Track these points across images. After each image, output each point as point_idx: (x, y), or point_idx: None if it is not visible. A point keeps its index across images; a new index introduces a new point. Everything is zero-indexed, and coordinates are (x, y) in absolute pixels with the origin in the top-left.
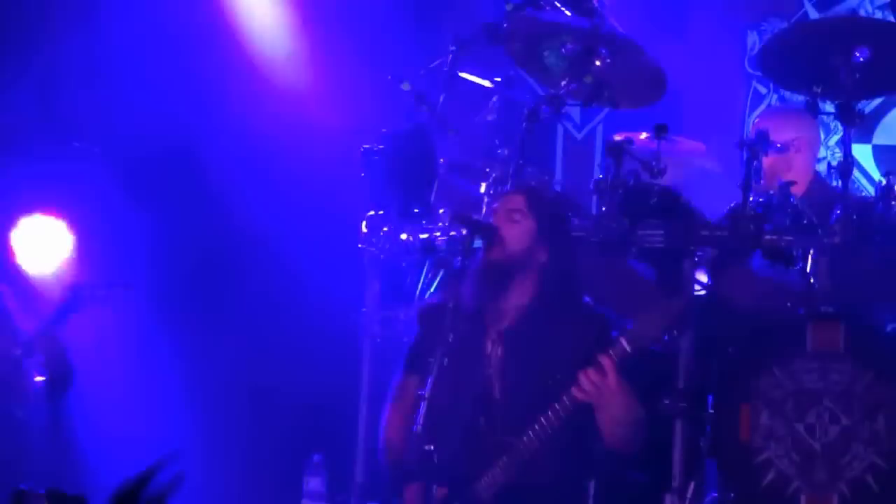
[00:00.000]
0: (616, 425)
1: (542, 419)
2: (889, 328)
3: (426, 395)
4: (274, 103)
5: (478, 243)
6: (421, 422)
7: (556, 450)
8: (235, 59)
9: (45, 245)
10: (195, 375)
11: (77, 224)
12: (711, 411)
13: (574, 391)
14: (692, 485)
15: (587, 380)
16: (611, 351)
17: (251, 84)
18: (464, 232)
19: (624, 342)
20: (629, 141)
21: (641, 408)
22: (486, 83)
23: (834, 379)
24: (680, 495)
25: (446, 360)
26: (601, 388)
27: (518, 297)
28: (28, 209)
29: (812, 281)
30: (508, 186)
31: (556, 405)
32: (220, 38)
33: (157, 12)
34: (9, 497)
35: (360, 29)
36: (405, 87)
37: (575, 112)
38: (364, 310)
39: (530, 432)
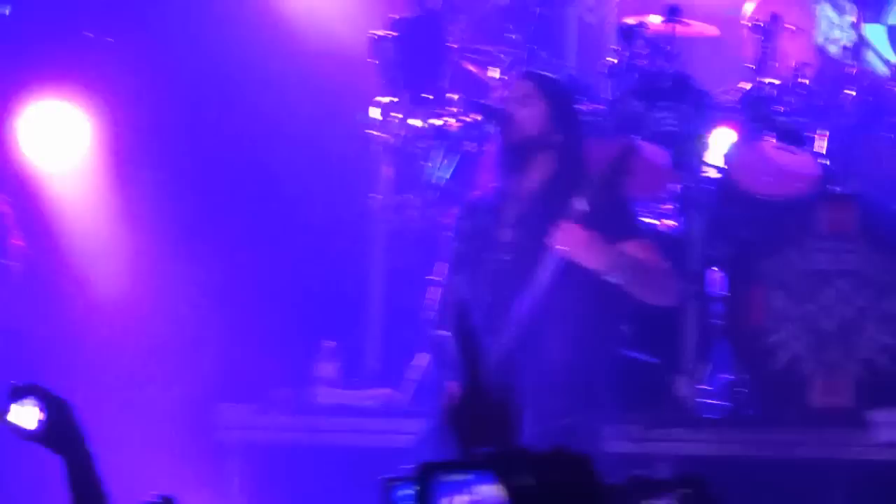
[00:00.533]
0: (612, 271)
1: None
2: None
3: (444, 282)
4: None
5: (492, 129)
6: (438, 308)
7: (566, 331)
8: None
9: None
10: (209, 265)
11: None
12: (724, 293)
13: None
14: (704, 367)
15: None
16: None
17: None
18: (478, 117)
19: (577, 203)
20: (642, 25)
21: (626, 254)
22: None
23: (846, 259)
24: (692, 377)
25: (462, 245)
26: (570, 241)
27: (532, 180)
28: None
29: (825, 162)
30: (520, 71)
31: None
32: None
33: None
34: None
35: None
36: None
37: None
38: (377, 196)
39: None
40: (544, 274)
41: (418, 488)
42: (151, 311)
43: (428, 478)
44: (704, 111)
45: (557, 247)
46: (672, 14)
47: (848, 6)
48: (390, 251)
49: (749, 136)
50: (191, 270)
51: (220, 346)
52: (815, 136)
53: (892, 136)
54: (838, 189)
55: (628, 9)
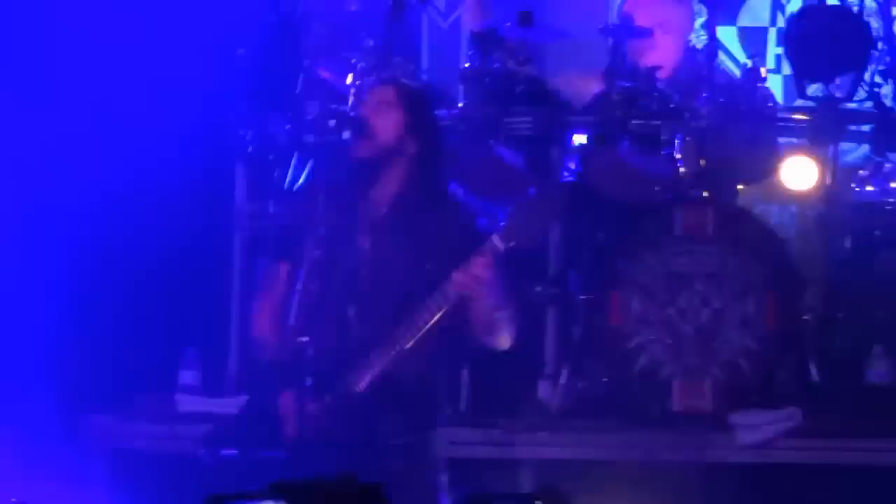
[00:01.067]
0: (489, 317)
1: (417, 314)
2: (756, 210)
3: (299, 288)
4: None
5: (347, 135)
6: (294, 314)
7: (430, 341)
8: None
9: None
10: (71, 268)
11: None
12: (582, 297)
13: (449, 287)
14: (565, 370)
15: (461, 277)
16: (485, 248)
17: None
18: (332, 124)
19: (496, 240)
20: (494, 30)
21: (514, 302)
22: None
23: (703, 262)
24: (553, 381)
25: (319, 251)
26: (475, 283)
27: (388, 187)
28: None
29: (680, 165)
30: (375, 77)
31: (430, 301)
32: None
33: None
34: None
35: None
36: None
37: (440, 0)
38: (237, 203)
39: (404, 325)
40: (421, 310)
41: None
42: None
43: None
44: (559, 115)
45: (457, 284)
46: (524, 20)
47: (698, 7)
48: (247, 256)
49: (604, 139)
50: (48, 276)
51: (79, 353)
52: (669, 138)
53: (745, 137)
54: (692, 192)
55: (480, 14)
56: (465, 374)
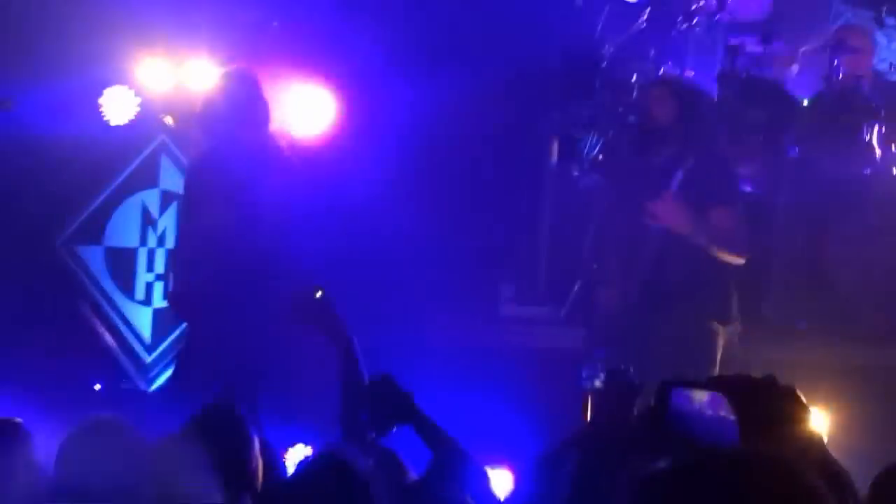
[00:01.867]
0: (698, 236)
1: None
2: None
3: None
4: None
5: (632, 119)
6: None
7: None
8: None
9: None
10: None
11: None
12: None
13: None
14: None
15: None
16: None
17: None
18: (620, 110)
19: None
20: (742, 45)
21: (705, 221)
22: None
23: None
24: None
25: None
26: (665, 213)
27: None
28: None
29: (877, 150)
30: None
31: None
32: None
33: None
34: None
35: None
36: None
37: (702, 21)
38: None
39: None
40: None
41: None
42: None
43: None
44: (790, 110)
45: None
46: (766, 38)
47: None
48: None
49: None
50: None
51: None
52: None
53: None
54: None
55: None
56: None
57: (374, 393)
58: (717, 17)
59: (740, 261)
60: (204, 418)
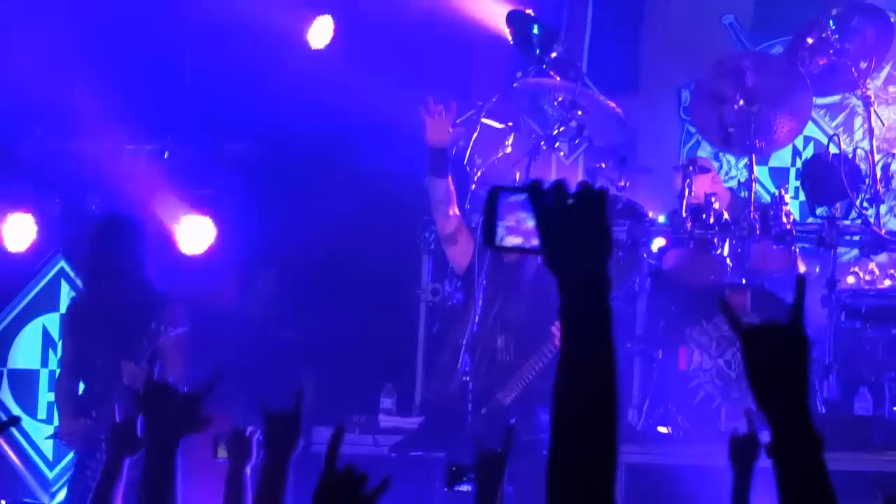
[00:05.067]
0: None
1: (543, 349)
2: (783, 296)
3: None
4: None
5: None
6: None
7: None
8: None
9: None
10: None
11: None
12: (659, 350)
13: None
14: (647, 400)
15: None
16: None
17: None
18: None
19: None
20: (601, 166)
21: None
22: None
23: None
24: (639, 409)
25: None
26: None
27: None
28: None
29: (728, 261)
30: None
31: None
32: None
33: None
34: None
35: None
36: None
37: (564, 146)
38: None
39: (536, 356)
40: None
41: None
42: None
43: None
44: (645, 226)
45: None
46: (622, 162)
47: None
48: (428, 320)
49: (675, 243)
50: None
51: (318, 389)
52: (720, 242)
53: (775, 242)
54: (737, 280)
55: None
56: None
57: None
58: (578, 141)
59: None
60: None
